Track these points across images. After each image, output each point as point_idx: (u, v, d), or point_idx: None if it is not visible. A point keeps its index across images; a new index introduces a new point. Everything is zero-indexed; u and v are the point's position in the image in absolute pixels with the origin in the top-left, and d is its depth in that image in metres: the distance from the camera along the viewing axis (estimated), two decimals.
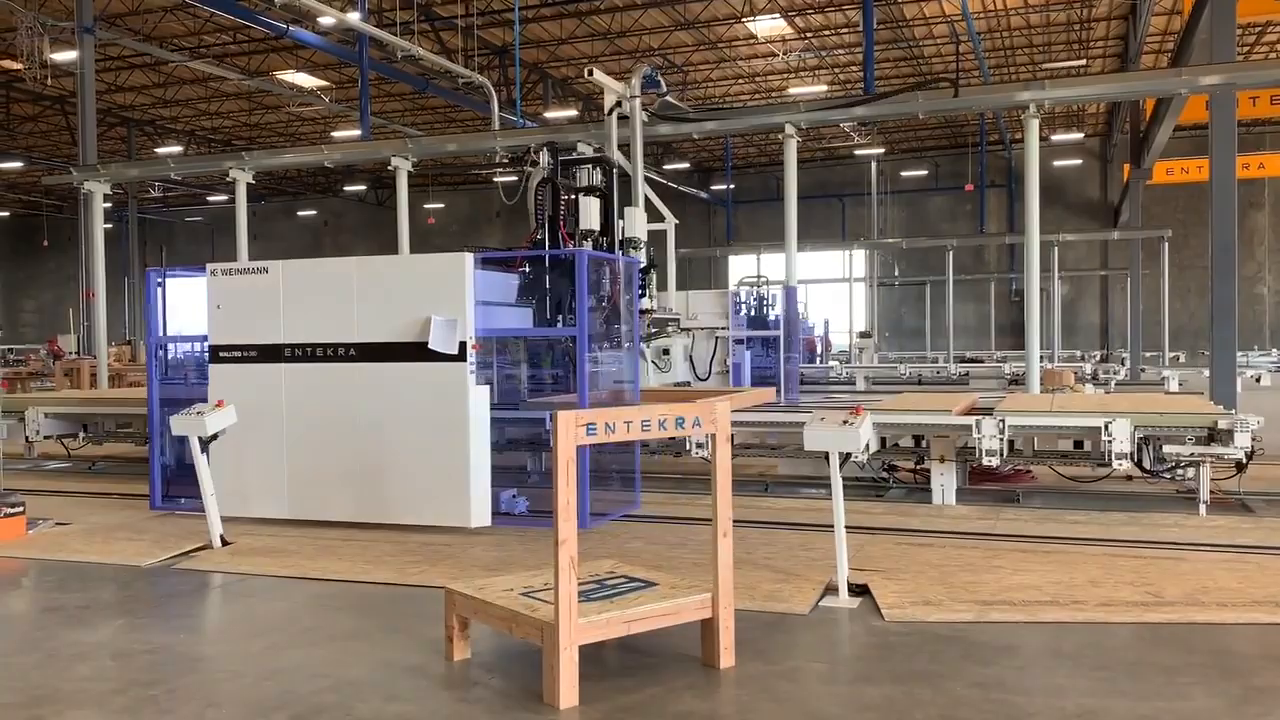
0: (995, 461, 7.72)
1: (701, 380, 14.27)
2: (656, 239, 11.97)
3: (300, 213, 45.99)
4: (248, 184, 14.64)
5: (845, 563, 5.38)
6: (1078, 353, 31.01)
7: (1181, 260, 31.63)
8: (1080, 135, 35.39)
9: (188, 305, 8.25)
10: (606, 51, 27.41)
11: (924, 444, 8.43)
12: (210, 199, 42.36)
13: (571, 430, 3.94)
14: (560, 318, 8.50)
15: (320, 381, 7.51)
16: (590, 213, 8.99)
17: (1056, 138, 34.28)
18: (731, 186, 39.23)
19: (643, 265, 9.60)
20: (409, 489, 7.27)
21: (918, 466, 8.91)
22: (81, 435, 11.20)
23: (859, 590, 5.41)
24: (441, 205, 42.42)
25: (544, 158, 9.14)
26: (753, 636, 4.64)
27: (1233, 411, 7.80)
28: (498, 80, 24.62)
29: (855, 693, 4.09)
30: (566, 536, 3.90)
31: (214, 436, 6.91)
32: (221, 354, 7.86)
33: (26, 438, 10.83)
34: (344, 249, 42.91)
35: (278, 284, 7.67)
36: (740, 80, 30.59)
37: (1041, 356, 12.27)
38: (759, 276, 25.97)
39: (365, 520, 7.38)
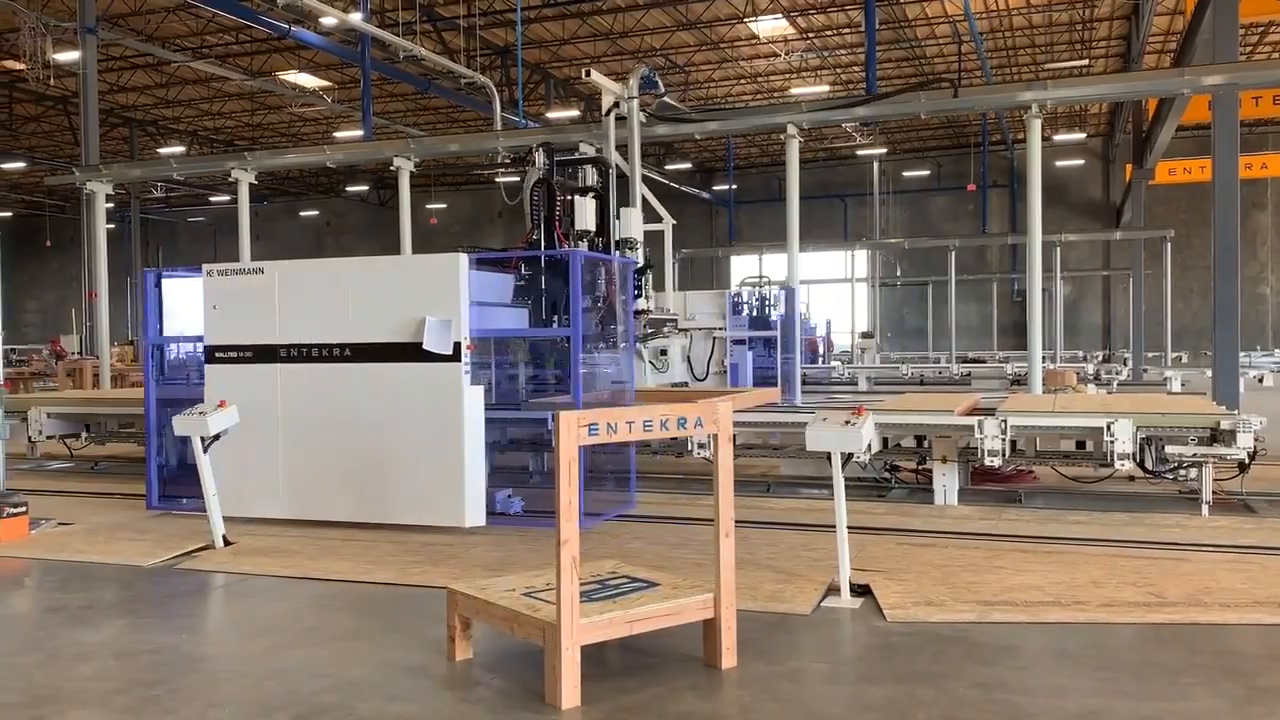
0: (997, 462, 7.71)
1: (699, 380, 14.27)
2: (654, 239, 11.98)
3: (303, 213, 46.03)
4: (250, 184, 14.65)
5: (847, 563, 5.38)
6: (1080, 353, 31.00)
7: (1184, 260, 31.63)
8: (1083, 135, 35.36)
9: (189, 306, 8.25)
10: (609, 52, 27.41)
11: (926, 444, 8.42)
12: (213, 199, 42.40)
13: (573, 430, 3.94)
14: (556, 318, 8.50)
15: (316, 382, 7.53)
16: (586, 213, 9.00)
17: (1059, 138, 34.27)
18: (733, 187, 39.23)
19: (639, 266, 9.60)
20: (404, 489, 7.29)
21: (920, 467, 8.90)
22: (84, 435, 11.22)
23: (861, 590, 5.41)
24: (444, 205, 42.45)
25: (539, 158, 9.14)
26: (755, 637, 4.64)
27: (1235, 412, 7.78)
28: (500, 80, 24.63)
29: (857, 693, 4.08)
30: (568, 536, 3.89)
31: (216, 437, 6.93)
32: (218, 354, 7.88)
33: (29, 438, 10.84)
34: (346, 249, 42.94)
35: (273, 284, 7.70)
36: (742, 80, 30.59)
37: (1044, 357, 12.25)
38: (761, 277, 26.03)
39: (361, 520, 7.40)
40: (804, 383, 13.34)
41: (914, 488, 8.80)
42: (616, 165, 10.53)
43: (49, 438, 10.93)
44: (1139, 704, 3.87)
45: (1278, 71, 10.78)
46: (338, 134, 33.83)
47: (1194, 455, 7.43)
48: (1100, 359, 27.61)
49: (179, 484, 8.54)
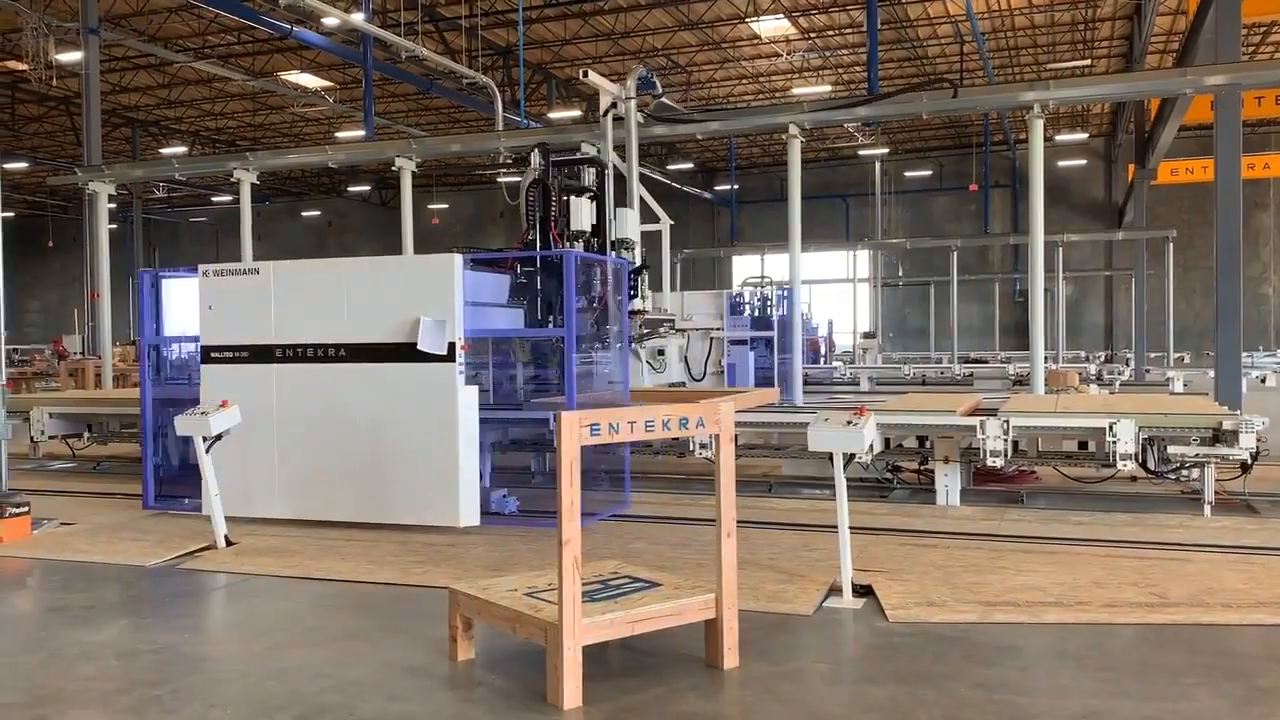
0: (999, 462, 7.71)
1: (696, 381, 14.26)
2: (652, 240, 11.97)
3: (304, 213, 46.05)
4: (252, 184, 14.65)
5: (849, 563, 5.38)
6: (1082, 353, 30.95)
7: (1186, 260, 31.60)
8: (1085, 135, 35.34)
9: (191, 306, 8.27)
10: (610, 52, 27.42)
11: (928, 445, 8.42)
12: (215, 199, 42.43)
13: (575, 431, 3.94)
14: (551, 318, 8.51)
15: (312, 382, 7.55)
16: (581, 214, 9.01)
17: (1061, 138, 34.24)
18: (735, 187, 39.21)
19: (635, 266, 9.59)
20: (400, 488, 7.31)
21: (922, 467, 8.90)
22: (86, 435, 11.23)
23: (863, 591, 5.41)
24: (445, 206, 42.46)
25: (535, 159, 9.16)
26: (756, 637, 4.64)
27: (1238, 412, 7.77)
28: (502, 81, 24.64)
29: (859, 693, 4.09)
30: (570, 537, 3.89)
31: (218, 436, 6.94)
32: (213, 354, 7.90)
33: (31, 438, 10.85)
34: (348, 249, 42.95)
35: (269, 285, 7.72)
36: (744, 80, 30.59)
37: (1046, 357, 12.24)
38: (762, 277, 26.02)
39: (357, 520, 7.41)
40: (806, 383, 13.33)
41: (916, 488, 8.80)
42: (614, 165, 10.52)
43: (51, 438, 10.94)
44: (1140, 704, 3.87)
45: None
46: (339, 134, 33.84)
47: (1196, 456, 7.42)
48: (1102, 359, 27.55)
49: (175, 484, 8.56)
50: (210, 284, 7.96)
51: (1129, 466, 7.50)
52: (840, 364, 24.29)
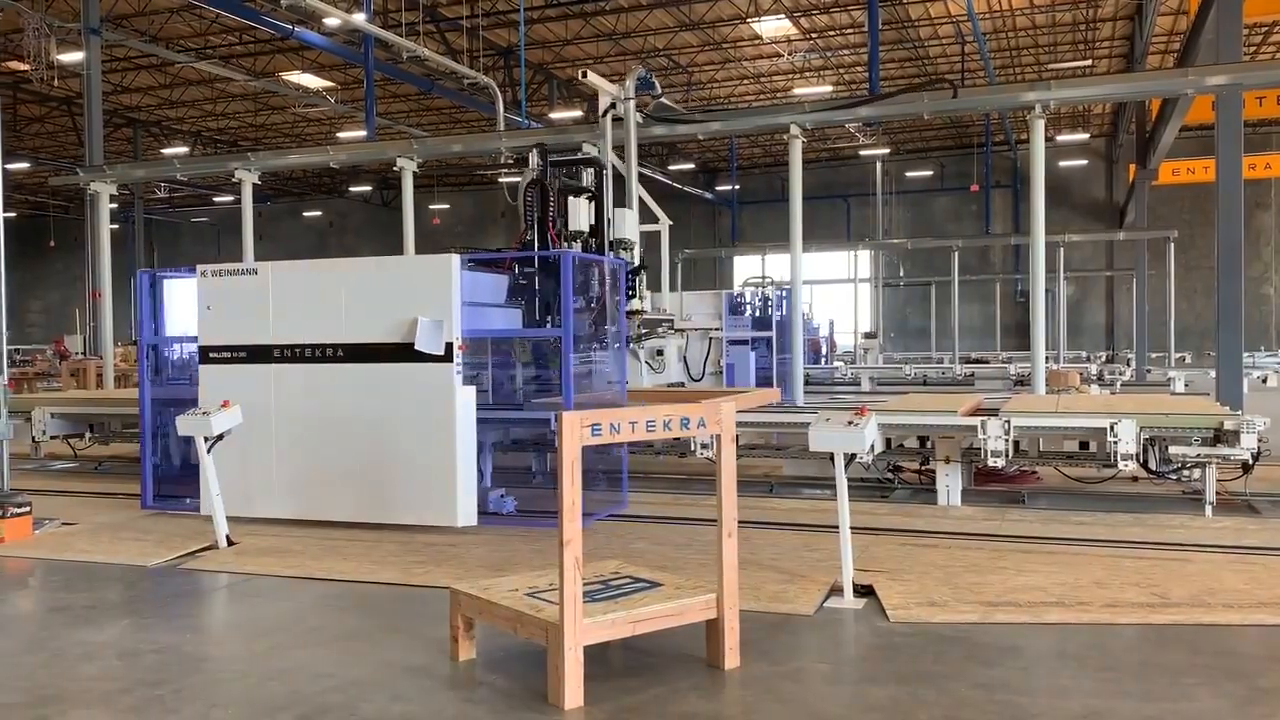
0: (1000, 462, 7.71)
1: (695, 381, 14.26)
2: (651, 240, 11.96)
3: (306, 213, 46.07)
4: (253, 185, 14.66)
5: (850, 563, 5.38)
6: (1083, 354, 30.94)
7: (1187, 261, 31.59)
8: (1086, 136, 35.33)
9: (193, 306, 8.28)
10: (612, 52, 27.42)
11: (929, 445, 8.42)
12: (216, 200, 42.45)
13: (576, 431, 3.94)
14: (550, 319, 8.52)
15: (309, 382, 7.55)
16: (579, 214, 9.02)
17: (1062, 138, 34.24)
18: (736, 187, 39.21)
19: (632, 267, 9.59)
20: (397, 488, 7.31)
21: (923, 467, 8.89)
22: (88, 435, 11.23)
23: (864, 591, 5.41)
24: (447, 206, 42.48)
25: (533, 159, 9.17)
26: (758, 637, 4.64)
27: (1239, 412, 7.78)
28: (503, 81, 24.64)
29: (860, 693, 4.09)
30: (571, 537, 3.90)
31: (220, 437, 6.94)
32: (211, 355, 7.91)
33: (33, 438, 10.85)
34: (349, 249, 42.97)
35: (267, 285, 7.73)
36: (745, 81, 30.59)
37: (1047, 357, 12.23)
38: (764, 277, 26.02)
39: (355, 520, 7.42)
40: (807, 383, 13.31)
41: (917, 488, 8.80)
42: (613, 166, 10.52)
43: (53, 438, 10.94)
44: (1141, 705, 3.87)
45: None
46: (341, 134, 33.85)
47: (1197, 456, 7.42)
48: (1104, 359, 27.54)
49: (173, 484, 8.57)
50: (208, 284, 7.97)
51: (1130, 467, 7.50)
52: (841, 364, 24.28)
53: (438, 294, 7.19)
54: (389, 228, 37.70)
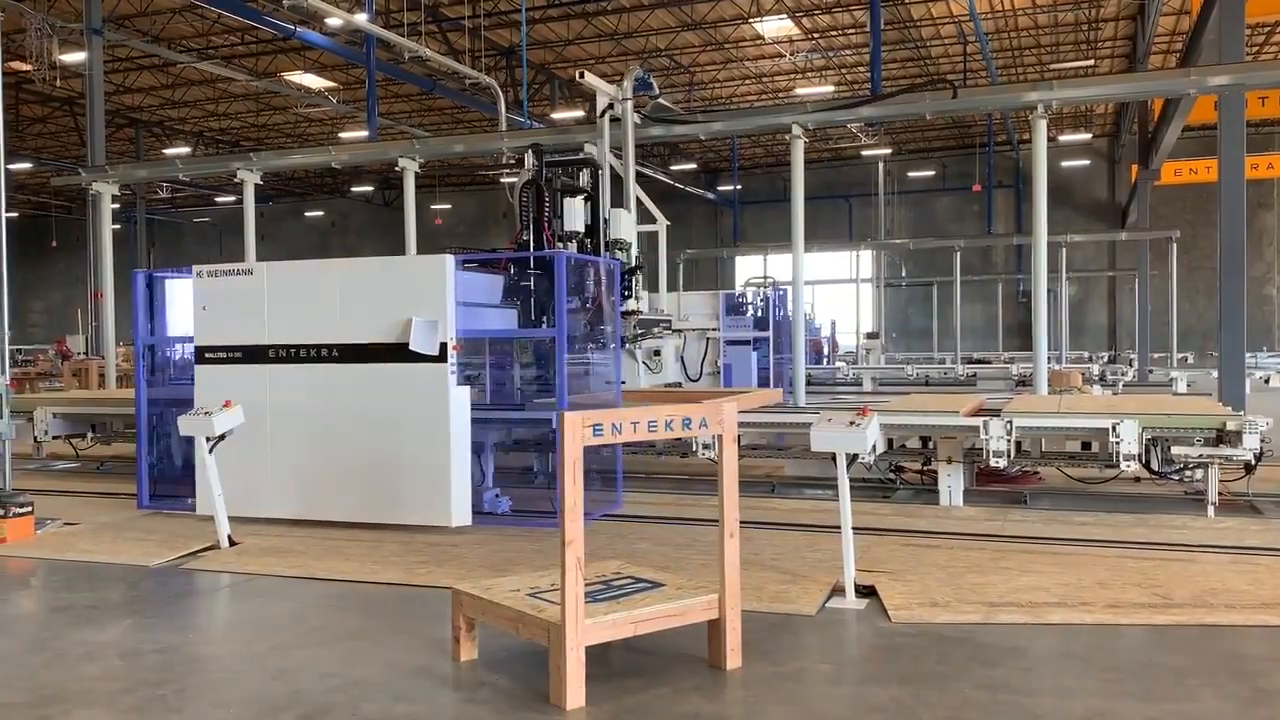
0: (1003, 463, 7.70)
1: (693, 381, 14.25)
2: (650, 240, 11.96)
3: (308, 213, 46.09)
4: (255, 185, 14.66)
5: (852, 564, 5.38)
6: (1085, 354, 30.93)
7: (1190, 261, 31.55)
8: (1088, 136, 35.31)
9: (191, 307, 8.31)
10: (613, 52, 27.42)
11: (931, 445, 8.41)
12: (218, 200, 42.47)
13: (578, 431, 3.94)
14: (545, 319, 8.53)
15: (305, 382, 7.56)
16: (575, 214, 9.02)
17: (1064, 138, 34.22)
18: (738, 187, 39.19)
19: (628, 267, 9.59)
20: (392, 488, 7.32)
21: (925, 468, 8.89)
22: (90, 435, 11.24)
23: (866, 591, 5.40)
24: (448, 206, 42.49)
25: (529, 159, 9.16)
26: (759, 637, 4.63)
27: (1241, 413, 7.77)
28: (505, 81, 24.64)
29: (862, 694, 4.08)
30: (573, 537, 3.90)
31: (221, 437, 6.94)
32: (207, 355, 7.92)
33: (35, 438, 10.86)
34: (351, 250, 42.99)
35: (262, 285, 7.74)
36: (747, 81, 30.58)
37: (1049, 358, 12.23)
38: (765, 277, 26.01)
39: (351, 520, 7.42)
40: (809, 383, 13.29)
41: (919, 489, 8.80)
42: (612, 166, 10.51)
43: (54, 438, 10.95)
44: (1144, 705, 3.87)
45: None
46: (343, 135, 33.86)
47: (1200, 456, 7.41)
48: (1106, 360, 27.55)
49: (170, 483, 8.57)
50: (204, 285, 7.98)
51: (1132, 467, 7.49)
52: (843, 364, 24.28)
53: (432, 294, 7.19)
54: (391, 228, 37.74)
